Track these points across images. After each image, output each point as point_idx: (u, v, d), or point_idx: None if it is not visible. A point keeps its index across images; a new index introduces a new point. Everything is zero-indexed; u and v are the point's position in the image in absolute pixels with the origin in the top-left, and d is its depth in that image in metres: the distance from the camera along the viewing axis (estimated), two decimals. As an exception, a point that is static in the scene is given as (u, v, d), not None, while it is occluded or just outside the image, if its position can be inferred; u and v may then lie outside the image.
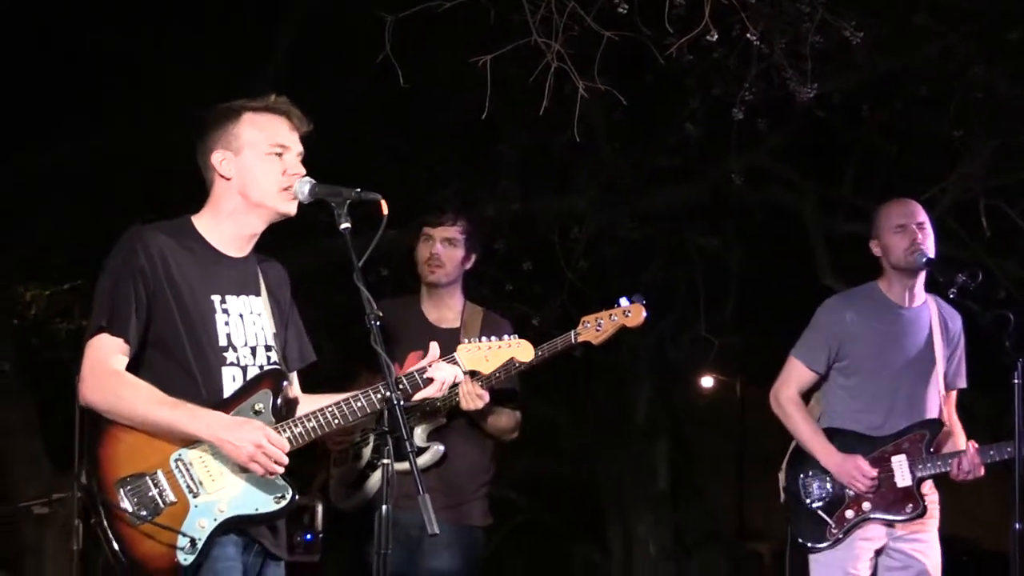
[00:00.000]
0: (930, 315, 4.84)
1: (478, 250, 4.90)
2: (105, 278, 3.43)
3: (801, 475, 4.78)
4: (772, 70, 6.11)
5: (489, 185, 8.45)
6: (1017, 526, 4.50)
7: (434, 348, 3.70)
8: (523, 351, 3.88)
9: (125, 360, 3.38)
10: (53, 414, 8.18)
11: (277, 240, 3.75)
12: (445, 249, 4.78)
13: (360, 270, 3.28)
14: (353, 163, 7.46)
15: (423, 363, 3.65)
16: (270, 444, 3.31)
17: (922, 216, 4.81)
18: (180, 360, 3.41)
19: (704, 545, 13.94)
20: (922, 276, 4.81)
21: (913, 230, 4.74)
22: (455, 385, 4.33)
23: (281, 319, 3.64)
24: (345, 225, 3.35)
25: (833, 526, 4.70)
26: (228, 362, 3.46)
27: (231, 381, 3.45)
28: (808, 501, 4.75)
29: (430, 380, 3.62)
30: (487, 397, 4.50)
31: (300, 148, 3.54)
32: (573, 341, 4.43)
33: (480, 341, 3.82)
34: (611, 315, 4.40)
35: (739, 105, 6.08)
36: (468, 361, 3.76)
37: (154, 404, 3.31)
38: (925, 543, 4.76)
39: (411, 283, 5.09)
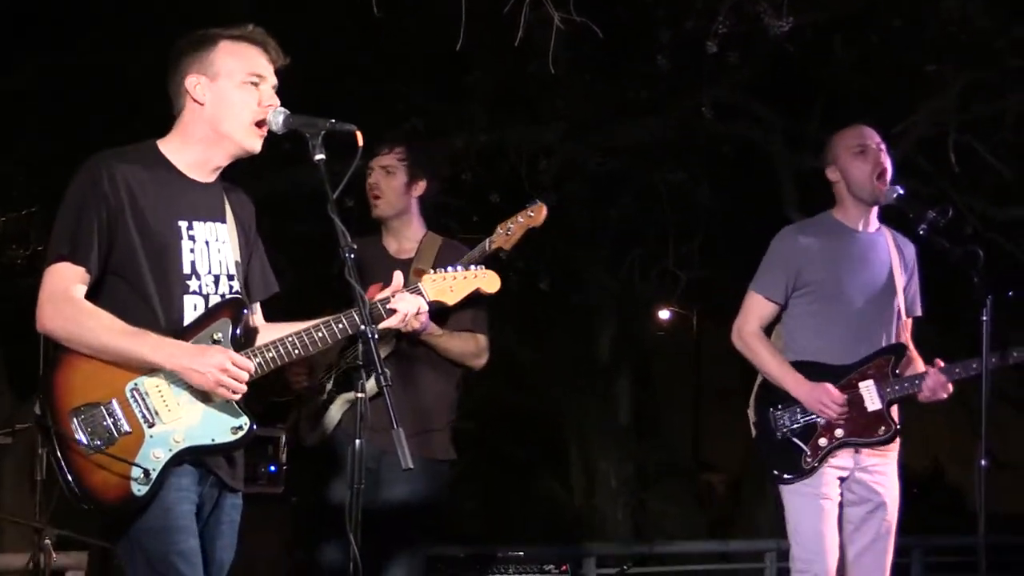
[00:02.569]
0: (886, 242, 4.82)
1: (426, 175, 4.77)
2: (67, 204, 3.37)
3: (770, 408, 4.75)
4: (746, 3, 6.05)
5: (457, 115, 8.37)
6: (983, 462, 4.49)
7: (397, 278, 3.69)
8: (489, 281, 3.88)
9: (84, 288, 3.34)
10: (13, 342, 8.08)
11: (246, 168, 3.68)
12: (383, 178, 4.72)
13: (334, 202, 3.25)
14: (321, 93, 7.35)
15: (386, 293, 3.64)
16: (234, 366, 3.29)
17: (878, 138, 4.77)
18: (139, 288, 3.37)
19: (662, 477, 14.07)
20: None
21: (874, 151, 4.70)
22: None
23: (246, 248, 3.60)
24: (320, 156, 3.33)
25: (808, 455, 4.67)
26: (191, 290, 3.42)
27: (192, 310, 3.41)
28: (780, 433, 4.72)
29: (393, 311, 3.61)
30: (425, 319, 4.41)
31: (275, 80, 3.51)
32: (488, 249, 4.45)
33: (446, 271, 3.80)
34: (518, 218, 4.45)
35: (712, 39, 6.02)
36: (433, 291, 3.75)
37: (116, 333, 3.27)
38: (884, 475, 4.76)
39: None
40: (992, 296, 4.46)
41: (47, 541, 5.37)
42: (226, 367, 3.27)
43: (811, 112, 9.10)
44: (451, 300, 3.82)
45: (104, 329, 3.28)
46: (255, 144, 3.48)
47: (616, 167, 9.31)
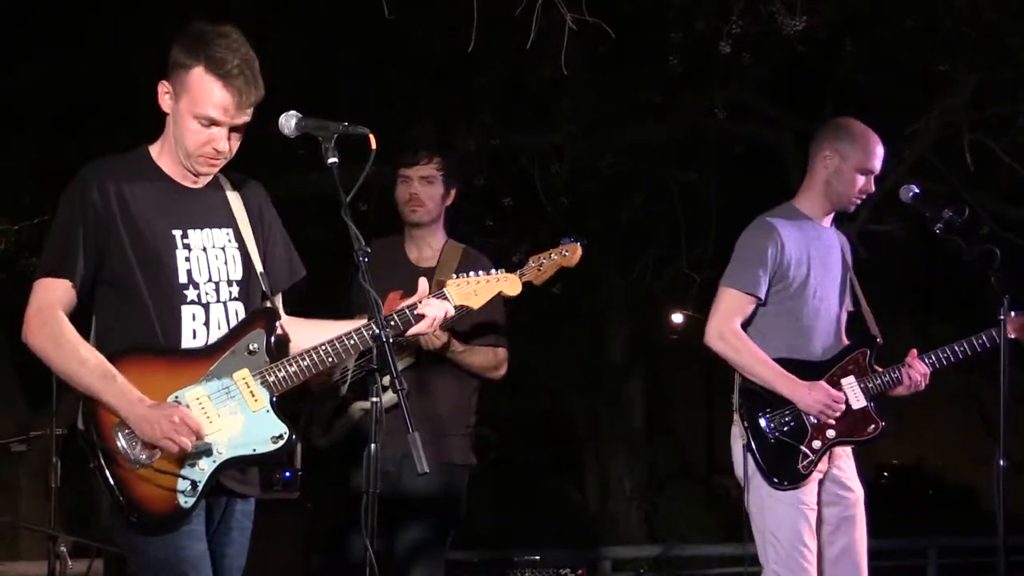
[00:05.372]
0: (837, 236, 4.79)
1: (458, 184, 4.88)
2: (56, 217, 3.37)
3: (759, 413, 4.61)
4: (759, 3, 6.04)
5: (468, 119, 8.36)
6: (1001, 463, 4.45)
7: (423, 284, 3.70)
8: (510, 285, 3.91)
9: (71, 303, 3.33)
10: (27, 351, 8.08)
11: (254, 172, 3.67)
12: (423, 188, 4.77)
13: (347, 206, 3.23)
14: (327, 96, 7.35)
15: (413, 299, 3.64)
16: (183, 423, 3.23)
17: (881, 162, 4.72)
18: (135, 299, 3.35)
19: (675, 480, 14.05)
20: None
21: (874, 179, 4.67)
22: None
23: (264, 236, 3.57)
24: (332, 160, 3.30)
25: (804, 459, 4.57)
26: (188, 300, 3.39)
27: (191, 320, 3.39)
28: (775, 438, 4.59)
29: (421, 316, 3.61)
30: (445, 337, 4.48)
31: (240, 121, 3.36)
32: (519, 278, 4.32)
33: (468, 276, 3.84)
34: (551, 254, 4.30)
35: (725, 39, 6.00)
36: (457, 296, 3.77)
37: (88, 368, 3.26)
38: (850, 470, 4.70)
39: (393, 218, 5.02)
40: (1009, 296, 4.45)
41: (63, 548, 5.37)
42: (174, 419, 3.21)
43: (823, 112, 9.07)
44: (476, 304, 3.84)
45: (77, 360, 3.27)
46: (204, 170, 3.41)
47: (628, 168, 9.29)
